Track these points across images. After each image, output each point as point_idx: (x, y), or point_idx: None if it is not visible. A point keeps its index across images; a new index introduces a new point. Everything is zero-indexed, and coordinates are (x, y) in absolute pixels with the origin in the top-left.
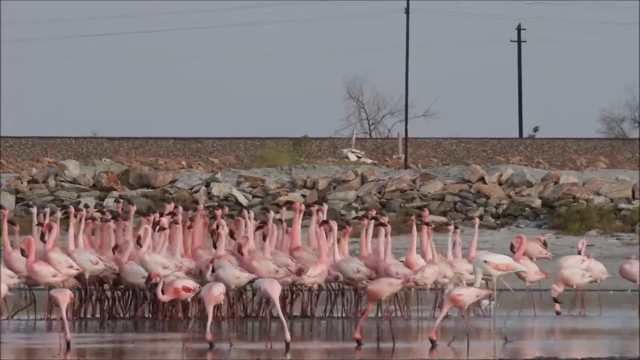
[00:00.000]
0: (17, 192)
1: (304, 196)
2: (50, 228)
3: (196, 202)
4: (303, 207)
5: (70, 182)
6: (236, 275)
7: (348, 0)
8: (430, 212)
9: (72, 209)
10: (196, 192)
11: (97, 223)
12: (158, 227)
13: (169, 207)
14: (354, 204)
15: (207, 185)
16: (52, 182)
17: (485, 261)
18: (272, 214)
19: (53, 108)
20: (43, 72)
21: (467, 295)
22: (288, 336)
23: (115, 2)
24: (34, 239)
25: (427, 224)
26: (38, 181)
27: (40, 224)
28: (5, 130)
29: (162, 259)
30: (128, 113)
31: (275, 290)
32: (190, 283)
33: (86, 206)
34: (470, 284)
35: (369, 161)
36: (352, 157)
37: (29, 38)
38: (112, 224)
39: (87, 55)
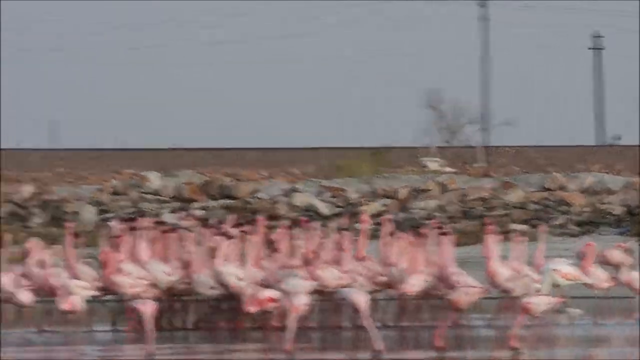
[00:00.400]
0: (99, 204)
1: (385, 206)
2: (123, 239)
3: (262, 212)
4: (368, 219)
5: (151, 193)
6: (303, 285)
7: (428, 7)
8: (512, 221)
9: (142, 220)
10: (277, 202)
11: (163, 234)
12: (228, 237)
13: (260, 220)
14: (434, 213)
15: (288, 195)
16: (133, 193)
17: (554, 270)
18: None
19: (135, 120)
20: (126, 84)
21: (538, 303)
22: (380, 345)
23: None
24: (111, 251)
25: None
26: (120, 193)
27: (115, 236)
28: (88, 143)
29: (237, 270)
30: (209, 124)
31: (362, 300)
32: (274, 293)
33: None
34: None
35: (450, 170)
36: (433, 166)
37: (104, 49)
38: (176, 234)
39: (167, 66)
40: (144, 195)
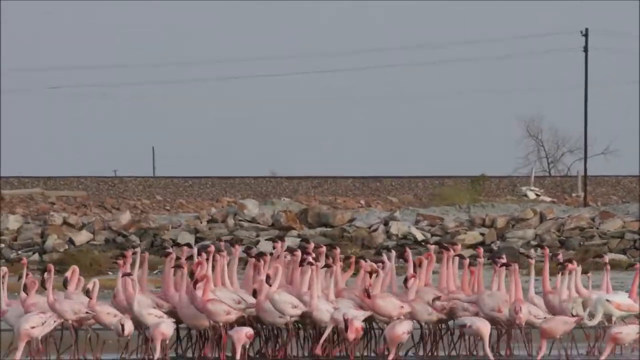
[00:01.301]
0: (197, 232)
1: (482, 234)
2: (200, 265)
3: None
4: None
5: (249, 221)
6: (355, 314)
7: (527, 39)
8: (610, 250)
9: (212, 248)
10: (375, 230)
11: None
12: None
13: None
14: (532, 242)
15: (386, 224)
16: (231, 221)
17: (607, 300)
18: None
19: (233, 149)
20: (223, 114)
21: (627, 332)
22: None
23: (289, 44)
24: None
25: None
26: (217, 221)
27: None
28: (185, 171)
29: (292, 297)
30: (307, 152)
31: (486, 329)
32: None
33: (189, 245)
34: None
35: (548, 199)
36: (531, 195)
37: (204, 78)
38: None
39: (266, 97)
40: (241, 222)
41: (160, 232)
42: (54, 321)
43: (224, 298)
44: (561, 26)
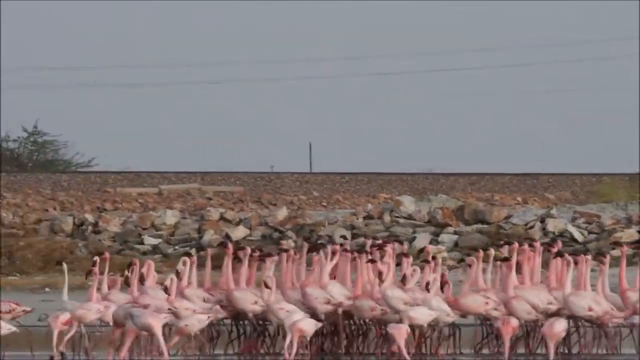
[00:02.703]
0: (353, 228)
1: (639, 232)
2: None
3: (531, 238)
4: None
5: (405, 218)
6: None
7: None
8: None
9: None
10: (531, 227)
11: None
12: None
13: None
14: None
15: (542, 221)
16: (387, 217)
17: None
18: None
19: (391, 145)
20: (379, 111)
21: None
22: None
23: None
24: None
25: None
26: (373, 217)
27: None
28: (342, 167)
29: (404, 294)
30: (465, 149)
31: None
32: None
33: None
34: None
35: None
36: None
37: (361, 74)
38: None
39: (425, 92)
40: (397, 219)
41: (317, 228)
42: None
43: (193, 297)
44: None
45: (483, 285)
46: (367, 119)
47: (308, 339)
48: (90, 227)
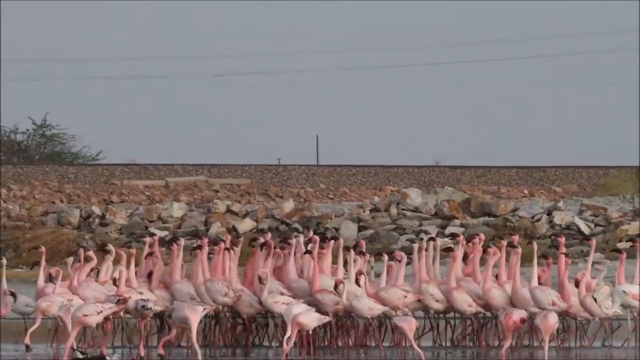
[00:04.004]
0: (360, 221)
1: None
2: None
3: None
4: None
5: (412, 210)
6: (371, 306)
7: None
8: None
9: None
10: (538, 220)
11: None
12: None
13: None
14: None
15: (549, 213)
16: (394, 210)
17: (624, 291)
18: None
19: (396, 137)
20: (388, 102)
21: None
22: None
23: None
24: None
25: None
26: (380, 209)
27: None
28: (349, 159)
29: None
30: (471, 141)
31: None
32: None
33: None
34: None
35: None
36: None
37: (369, 66)
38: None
39: (432, 84)
40: (404, 212)
41: (324, 220)
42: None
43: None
44: None
45: (425, 277)
46: (374, 111)
47: (310, 332)
48: (97, 220)
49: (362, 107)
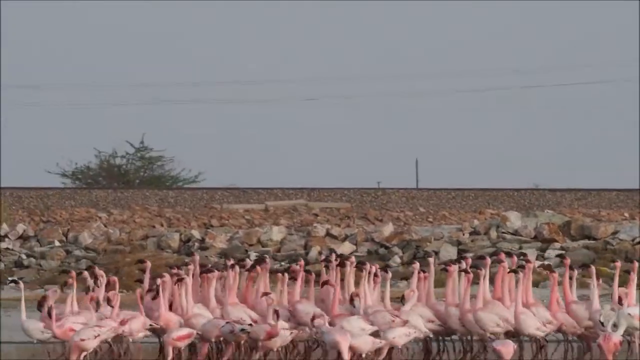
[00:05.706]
0: (459, 244)
1: None
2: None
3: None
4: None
5: (511, 233)
6: (362, 327)
7: None
8: None
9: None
10: (638, 243)
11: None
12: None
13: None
14: None
15: None
16: (493, 233)
17: (629, 314)
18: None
19: (497, 161)
20: (486, 127)
21: None
22: None
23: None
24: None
25: (465, 272)
26: (480, 233)
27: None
28: (449, 183)
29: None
30: (570, 165)
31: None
32: None
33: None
34: None
35: None
36: None
37: (468, 90)
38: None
39: (532, 107)
40: (504, 234)
41: (423, 244)
42: None
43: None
44: None
45: (451, 300)
46: (473, 134)
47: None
48: (196, 244)
49: (461, 130)
